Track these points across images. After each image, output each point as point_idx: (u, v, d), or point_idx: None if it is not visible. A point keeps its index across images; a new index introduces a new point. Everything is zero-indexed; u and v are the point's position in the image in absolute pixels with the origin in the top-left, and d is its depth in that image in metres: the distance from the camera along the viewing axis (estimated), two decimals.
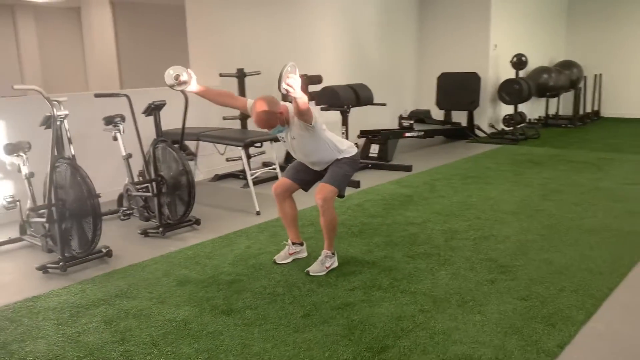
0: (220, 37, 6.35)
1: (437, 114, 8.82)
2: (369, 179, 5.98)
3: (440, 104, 8.78)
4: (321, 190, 3.29)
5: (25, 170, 3.96)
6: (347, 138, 6.18)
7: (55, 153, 3.59)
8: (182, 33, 6.61)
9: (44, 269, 3.53)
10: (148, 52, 8.33)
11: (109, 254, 3.76)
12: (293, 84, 2.83)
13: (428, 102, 9.02)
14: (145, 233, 4.23)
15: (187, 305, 3.01)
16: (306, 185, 3.52)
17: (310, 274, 3.36)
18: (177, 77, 3.23)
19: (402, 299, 3.00)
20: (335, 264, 3.47)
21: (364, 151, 7.20)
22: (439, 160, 6.98)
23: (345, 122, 6.18)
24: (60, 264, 3.49)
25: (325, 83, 6.42)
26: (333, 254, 3.46)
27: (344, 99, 6.02)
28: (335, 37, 7.92)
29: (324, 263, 3.40)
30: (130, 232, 4.31)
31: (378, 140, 7.07)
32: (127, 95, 4.29)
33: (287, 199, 3.51)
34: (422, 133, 7.65)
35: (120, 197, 4.76)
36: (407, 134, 7.37)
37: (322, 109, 6.24)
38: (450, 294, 3.04)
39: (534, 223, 4.23)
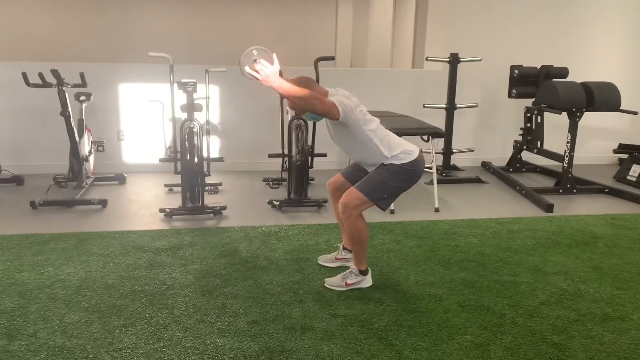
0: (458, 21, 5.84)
1: None
2: (581, 205, 4.67)
3: None
4: (345, 194, 2.83)
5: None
6: (571, 149, 4.92)
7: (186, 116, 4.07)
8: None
9: (163, 211, 4.11)
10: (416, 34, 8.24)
11: (215, 212, 4.10)
12: (260, 69, 2.55)
13: None
14: (271, 203, 4.40)
15: (173, 278, 3.01)
16: None
17: (325, 285, 2.96)
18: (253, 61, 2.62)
19: (357, 352, 2.37)
20: (366, 284, 2.96)
21: (621, 171, 5.57)
22: None
23: (572, 129, 4.88)
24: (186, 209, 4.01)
25: (595, 78, 5.15)
26: (362, 271, 2.94)
27: (566, 100, 4.74)
28: (625, 26, 6.22)
29: (345, 278, 2.94)
30: (266, 199, 4.52)
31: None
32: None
33: (340, 199, 3.11)
34: None
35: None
36: None
37: (538, 110, 5.08)
38: None
39: None
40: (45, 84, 4.31)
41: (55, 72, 4.19)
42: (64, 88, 4.33)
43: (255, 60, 2.59)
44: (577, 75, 5.56)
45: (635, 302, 2.86)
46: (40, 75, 4.27)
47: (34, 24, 10.55)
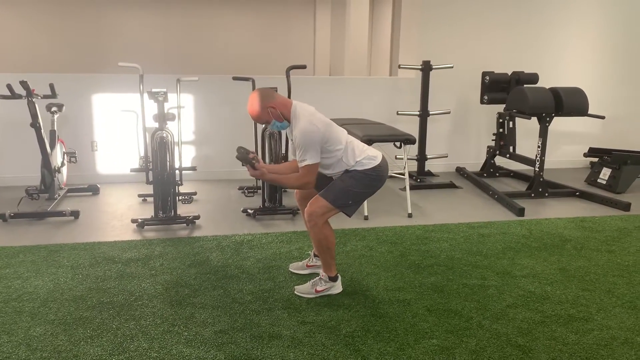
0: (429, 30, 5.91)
1: None
2: (551, 209, 4.73)
3: None
4: (311, 203, 2.84)
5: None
6: (542, 153, 5.00)
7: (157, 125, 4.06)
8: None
9: (136, 221, 4.08)
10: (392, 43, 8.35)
11: (187, 221, 4.09)
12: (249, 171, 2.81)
13: None
14: (246, 212, 4.40)
15: (142, 289, 3.01)
16: None
17: (295, 292, 2.97)
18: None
19: (323, 358, 2.38)
20: (336, 291, 2.97)
21: (592, 175, 5.67)
22: None
23: (542, 134, 4.96)
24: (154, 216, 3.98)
25: (564, 84, 5.25)
26: (332, 278, 2.95)
27: (535, 105, 4.82)
28: (593, 33, 6.35)
29: (315, 285, 2.95)
30: (241, 208, 4.52)
31: (610, 163, 5.44)
32: (252, 79, 4.47)
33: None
34: None
35: None
36: None
37: (510, 115, 5.16)
38: None
39: None
40: (14, 96, 4.27)
41: (24, 83, 4.16)
42: (33, 99, 4.29)
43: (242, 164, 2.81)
44: (547, 81, 5.68)
45: (600, 303, 2.91)
46: (9, 87, 4.24)
47: (3, 34, 10.44)
